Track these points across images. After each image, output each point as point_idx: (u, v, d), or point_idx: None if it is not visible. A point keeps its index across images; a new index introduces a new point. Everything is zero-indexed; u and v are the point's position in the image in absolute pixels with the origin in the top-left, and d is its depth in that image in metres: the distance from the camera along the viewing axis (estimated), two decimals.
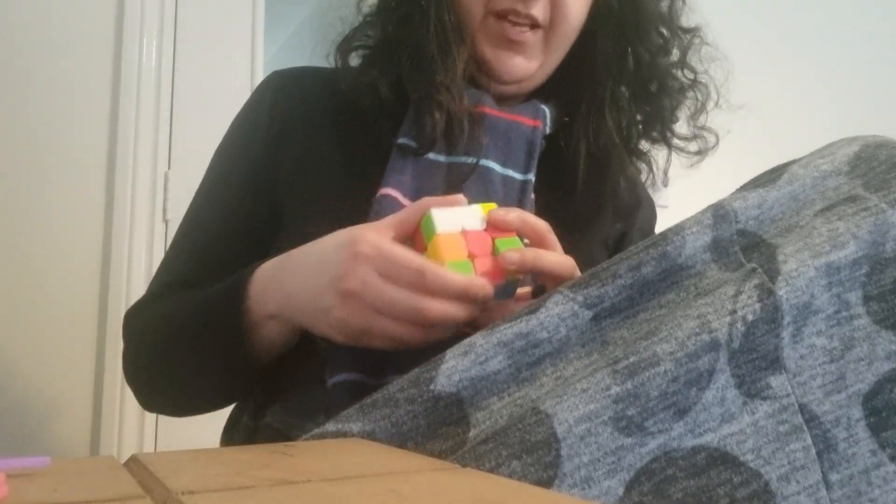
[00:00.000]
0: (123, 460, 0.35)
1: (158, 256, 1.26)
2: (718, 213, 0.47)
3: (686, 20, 0.76)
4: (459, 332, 0.52)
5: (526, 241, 0.56)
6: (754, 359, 0.41)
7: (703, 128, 0.76)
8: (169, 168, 1.41)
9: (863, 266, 0.43)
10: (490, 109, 0.68)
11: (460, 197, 0.56)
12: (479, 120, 0.67)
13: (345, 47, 0.73)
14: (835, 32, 2.21)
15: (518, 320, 0.44)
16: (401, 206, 0.62)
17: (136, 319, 0.70)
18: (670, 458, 0.39)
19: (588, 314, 0.45)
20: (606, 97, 0.73)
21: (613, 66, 0.73)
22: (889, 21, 2.30)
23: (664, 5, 0.75)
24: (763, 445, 0.39)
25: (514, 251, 0.53)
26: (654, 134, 0.76)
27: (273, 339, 0.59)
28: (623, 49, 0.74)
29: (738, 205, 0.47)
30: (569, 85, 0.74)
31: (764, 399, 0.40)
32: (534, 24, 0.67)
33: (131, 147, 1.37)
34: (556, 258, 0.54)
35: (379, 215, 0.60)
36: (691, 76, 0.75)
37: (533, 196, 0.68)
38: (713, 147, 0.76)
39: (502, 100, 0.71)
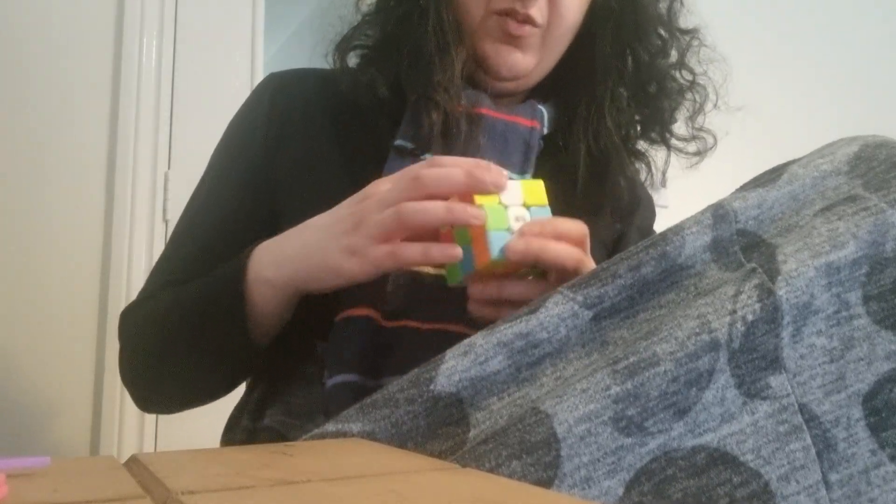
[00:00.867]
0: (123, 460, 0.35)
1: (158, 256, 1.26)
2: (718, 212, 0.47)
3: (685, 21, 0.76)
4: (461, 332, 0.52)
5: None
6: (754, 359, 0.41)
7: (701, 129, 0.76)
8: (169, 168, 1.42)
9: (862, 266, 0.43)
10: (487, 110, 0.68)
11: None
12: (477, 121, 0.67)
13: (343, 47, 0.73)
14: (834, 33, 2.21)
15: (518, 320, 0.45)
16: None
17: (134, 318, 0.70)
18: (670, 458, 0.39)
19: (588, 314, 0.45)
20: (606, 98, 0.73)
21: (613, 66, 0.73)
22: (889, 22, 2.30)
23: (663, 7, 0.75)
24: (763, 445, 0.39)
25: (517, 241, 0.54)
26: (653, 135, 0.76)
27: (265, 305, 0.59)
28: (622, 50, 0.74)
29: (737, 205, 0.47)
30: (567, 85, 0.74)
31: (764, 399, 0.40)
32: (532, 23, 0.67)
33: (131, 147, 1.37)
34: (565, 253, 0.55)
35: None
36: (690, 77, 0.76)
37: None
38: (711, 148, 0.77)
39: (499, 98, 0.71)
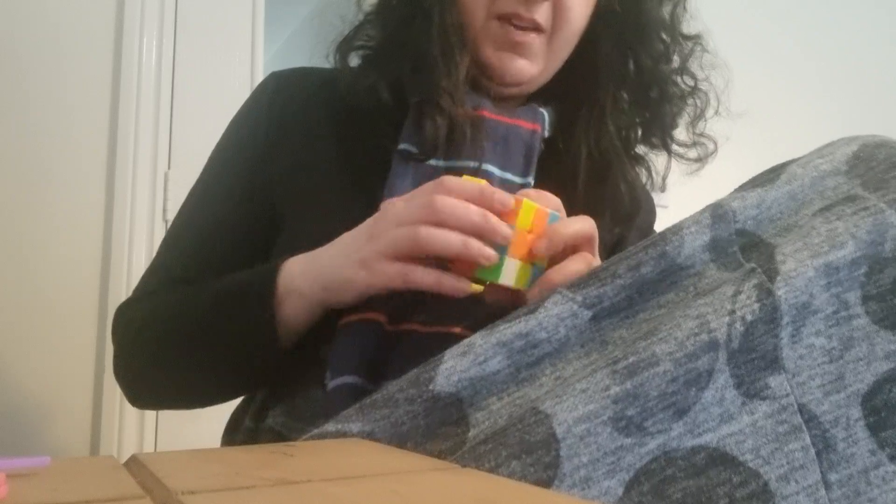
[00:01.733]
0: (123, 460, 0.35)
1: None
2: (717, 212, 0.47)
3: (687, 27, 0.76)
4: (462, 334, 0.52)
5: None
6: (753, 359, 0.41)
7: (702, 135, 0.76)
8: (169, 168, 1.41)
9: (861, 266, 0.43)
10: (489, 113, 0.68)
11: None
12: (480, 124, 0.67)
13: (345, 47, 0.73)
14: (836, 39, 2.21)
15: (517, 320, 0.45)
16: None
17: (132, 314, 0.69)
18: (670, 459, 0.39)
19: (587, 314, 0.45)
20: (608, 101, 0.73)
21: (615, 70, 0.73)
22: (889, 23, 2.29)
23: (666, 12, 0.75)
24: (762, 445, 0.39)
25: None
26: (654, 139, 0.76)
27: (296, 317, 0.59)
28: (625, 54, 0.74)
29: (736, 204, 0.47)
30: (569, 88, 0.74)
31: (763, 399, 0.40)
32: (536, 28, 0.67)
33: (131, 147, 1.37)
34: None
35: None
36: (692, 83, 0.75)
37: None
38: (712, 154, 0.76)
39: (501, 101, 0.71)
